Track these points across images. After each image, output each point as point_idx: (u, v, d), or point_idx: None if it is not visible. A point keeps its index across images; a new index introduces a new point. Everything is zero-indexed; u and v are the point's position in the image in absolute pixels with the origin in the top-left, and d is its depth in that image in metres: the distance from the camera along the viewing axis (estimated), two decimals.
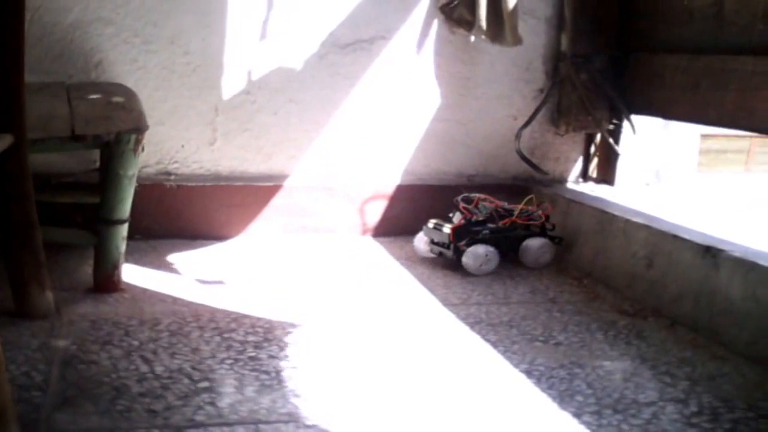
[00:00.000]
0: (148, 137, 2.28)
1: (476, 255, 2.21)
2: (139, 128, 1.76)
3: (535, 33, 2.59)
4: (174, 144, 2.37)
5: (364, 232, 2.54)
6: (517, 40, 2.45)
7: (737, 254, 1.82)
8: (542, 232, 2.36)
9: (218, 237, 2.40)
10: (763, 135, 2.18)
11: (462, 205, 2.28)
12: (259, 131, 2.43)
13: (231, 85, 2.38)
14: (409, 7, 2.50)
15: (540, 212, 2.35)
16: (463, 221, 2.25)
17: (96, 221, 1.82)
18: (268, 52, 2.40)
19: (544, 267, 2.33)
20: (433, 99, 2.57)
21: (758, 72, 2.06)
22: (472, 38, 2.53)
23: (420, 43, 2.52)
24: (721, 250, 1.85)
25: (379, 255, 2.38)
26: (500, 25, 2.43)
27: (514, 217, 2.32)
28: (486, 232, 2.26)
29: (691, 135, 2.97)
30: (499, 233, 2.28)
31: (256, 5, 2.37)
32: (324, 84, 2.45)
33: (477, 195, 2.32)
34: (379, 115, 2.54)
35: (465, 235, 2.23)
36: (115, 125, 1.74)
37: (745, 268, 1.77)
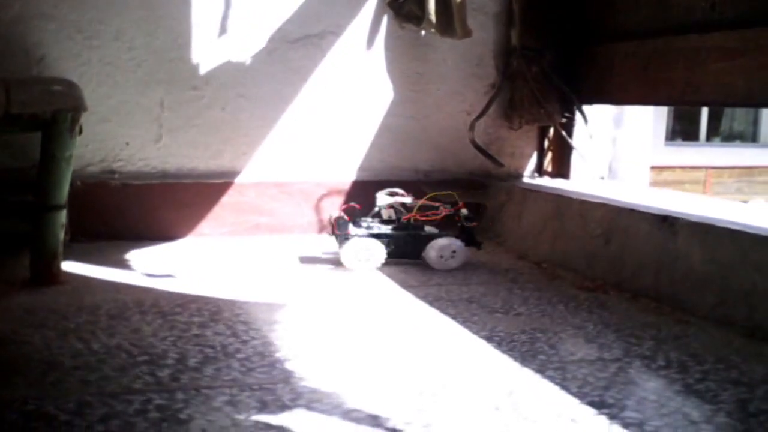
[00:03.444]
0: (91, 135, 2.24)
1: (355, 248, 2.06)
2: (76, 107, 1.69)
3: (484, 29, 2.59)
4: (118, 141, 2.30)
5: (321, 229, 2.48)
6: (467, 33, 2.44)
7: (694, 219, 1.80)
8: (462, 233, 2.15)
9: (166, 237, 2.32)
10: (709, 106, 2.20)
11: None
12: (208, 127, 2.37)
13: (177, 80, 2.33)
14: (358, 3, 2.48)
15: (442, 208, 2.15)
16: (343, 212, 2.12)
17: (32, 207, 1.74)
18: (216, 46, 2.36)
19: (454, 269, 2.10)
20: (385, 94, 2.54)
21: (703, 47, 2.08)
22: (422, 33, 2.52)
23: (370, 39, 2.50)
24: (677, 218, 1.83)
25: (336, 250, 2.31)
26: (449, 18, 2.42)
27: (413, 213, 2.13)
28: (370, 226, 2.12)
29: (643, 132, 2.99)
30: (397, 230, 2.13)
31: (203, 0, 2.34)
32: (274, 79, 2.41)
33: (398, 189, 2.20)
34: (332, 110, 2.50)
35: (347, 227, 2.09)
36: (52, 105, 1.68)
37: (703, 232, 1.74)
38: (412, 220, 2.14)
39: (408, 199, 2.18)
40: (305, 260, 2.19)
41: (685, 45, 2.15)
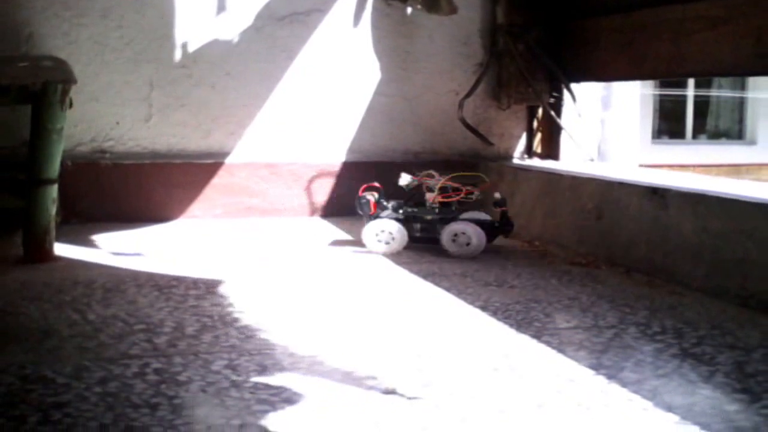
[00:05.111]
0: (81, 114, 2.22)
1: (375, 230, 2.01)
2: (66, 79, 1.68)
3: (470, 7, 2.59)
4: (108, 121, 2.29)
5: (313, 212, 2.48)
6: (453, 9, 2.45)
7: (684, 190, 1.81)
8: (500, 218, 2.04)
9: (158, 218, 2.32)
10: (696, 77, 2.20)
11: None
12: (197, 106, 2.37)
13: (166, 58, 2.32)
14: None
15: (463, 189, 2.03)
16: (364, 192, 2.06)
17: (23, 182, 1.73)
18: (204, 24, 2.35)
19: (476, 256, 1.99)
20: (374, 73, 2.54)
21: (688, 18, 2.08)
22: (409, 9, 2.52)
23: (357, 16, 2.49)
24: (667, 189, 1.84)
25: (329, 231, 2.31)
26: None
27: (435, 194, 2.03)
28: (391, 208, 2.04)
29: (631, 116, 3.01)
30: (424, 212, 2.05)
31: None
32: (262, 57, 2.40)
33: (432, 171, 2.11)
34: (320, 89, 2.49)
35: (369, 207, 2.04)
36: (41, 77, 1.67)
37: (694, 202, 1.75)
38: (436, 203, 2.04)
39: (433, 180, 2.06)
40: (299, 240, 2.19)
41: (669, 16, 2.15)
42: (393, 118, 2.57)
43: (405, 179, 2.09)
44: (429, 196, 2.05)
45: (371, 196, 2.05)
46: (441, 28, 2.57)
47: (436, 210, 2.04)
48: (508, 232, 2.06)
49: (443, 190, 2.04)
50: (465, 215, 2.04)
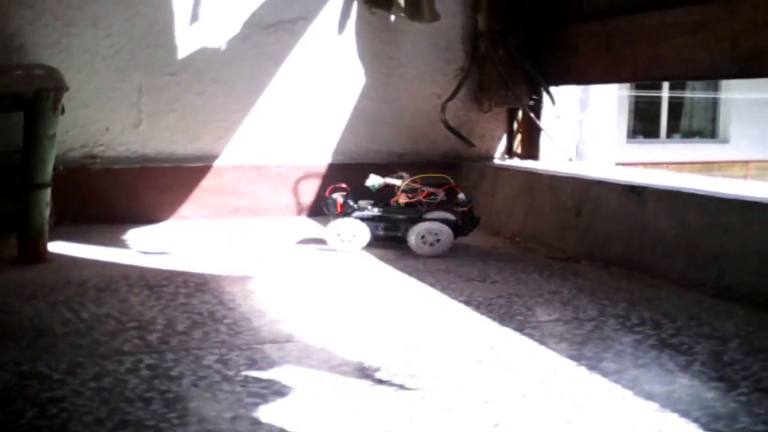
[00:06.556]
0: (72, 121, 2.27)
1: (337, 229, 2.07)
2: (58, 87, 1.72)
3: (451, 13, 2.64)
4: (99, 127, 2.33)
5: (299, 212, 2.52)
6: (435, 16, 2.50)
7: (661, 187, 1.86)
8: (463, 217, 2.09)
9: (148, 220, 2.36)
10: (673, 80, 2.25)
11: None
12: (185, 112, 2.41)
13: (155, 66, 2.36)
14: None
15: (423, 189, 2.09)
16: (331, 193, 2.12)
17: (17, 186, 1.76)
18: (192, 32, 2.39)
19: (439, 255, 2.04)
20: (358, 78, 2.59)
21: (666, 23, 2.14)
22: (392, 17, 2.57)
23: (341, 24, 2.54)
24: (645, 187, 1.89)
25: (315, 230, 2.35)
26: (417, 2, 2.48)
27: (398, 195, 2.10)
28: (361, 207, 2.10)
29: (608, 116, 3.06)
30: (389, 212, 2.10)
31: None
32: (249, 64, 2.45)
33: (402, 173, 2.15)
34: (306, 94, 2.54)
35: (335, 207, 2.10)
36: (34, 85, 1.71)
37: (671, 197, 1.81)
38: (401, 203, 2.10)
39: (398, 182, 2.12)
40: (286, 239, 2.22)
41: (647, 22, 2.20)
42: (376, 121, 2.62)
43: (372, 180, 2.15)
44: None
45: (338, 197, 2.11)
46: (423, 35, 2.62)
47: (402, 210, 2.11)
48: (469, 231, 2.11)
49: (407, 191, 2.10)
50: (430, 215, 2.10)
